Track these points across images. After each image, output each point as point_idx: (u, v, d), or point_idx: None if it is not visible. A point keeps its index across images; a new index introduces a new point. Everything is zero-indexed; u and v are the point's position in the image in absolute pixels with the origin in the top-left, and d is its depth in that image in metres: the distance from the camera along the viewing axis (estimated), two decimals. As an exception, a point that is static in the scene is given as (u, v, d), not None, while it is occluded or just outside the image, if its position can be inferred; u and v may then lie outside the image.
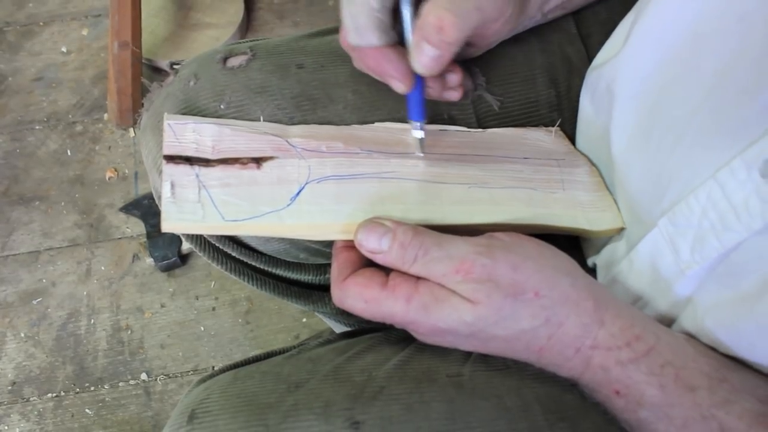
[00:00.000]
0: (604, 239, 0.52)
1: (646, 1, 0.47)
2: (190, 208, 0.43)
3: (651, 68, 0.44)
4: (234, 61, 0.51)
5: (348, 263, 0.42)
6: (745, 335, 0.39)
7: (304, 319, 1.08)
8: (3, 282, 1.10)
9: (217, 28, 1.27)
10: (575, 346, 0.39)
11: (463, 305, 0.38)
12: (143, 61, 1.22)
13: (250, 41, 0.55)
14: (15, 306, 1.09)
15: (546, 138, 0.53)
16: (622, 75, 0.47)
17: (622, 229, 0.49)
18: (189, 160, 0.44)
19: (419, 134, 0.47)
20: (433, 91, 0.48)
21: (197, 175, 0.44)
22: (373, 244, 0.40)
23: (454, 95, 0.49)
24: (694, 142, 0.41)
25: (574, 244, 0.56)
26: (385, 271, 0.41)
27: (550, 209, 0.48)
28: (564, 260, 0.41)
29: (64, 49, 1.32)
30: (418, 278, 0.40)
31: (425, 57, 0.43)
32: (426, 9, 0.43)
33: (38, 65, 1.30)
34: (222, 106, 0.49)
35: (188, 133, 0.46)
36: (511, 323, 0.39)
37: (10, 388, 1.02)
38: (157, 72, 1.28)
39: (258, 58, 0.51)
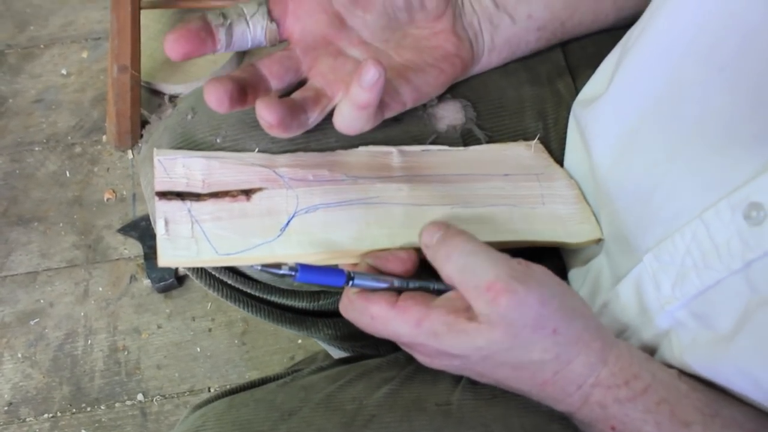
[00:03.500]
0: (585, 256, 0.54)
1: (631, 44, 0.48)
2: (185, 243, 0.44)
3: (633, 111, 0.46)
4: (230, 96, 0.52)
5: None
6: (721, 372, 0.41)
7: (300, 341, 1.09)
8: (1, 302, 1.11)
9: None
10: (578, 383, 0.41)
11: (477, 331, 0.39)
12: (142, 84, 1.24)
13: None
14: (12, 326, 1.09)
15: (526, 153, 0.54)
16: (605, 116, 0.49)
17: (600, 240, 0.51)
18: (180, 196, 0.46)
19: (284, 270, 0.41)
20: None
21: (189, 210, 0.45)
22: (426, 237, 0.42)
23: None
24: (678, 183, 0.43)
25: (562, 275, 0.58)
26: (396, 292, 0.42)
27: (531, 225, 0.50)
28: (580, 302, 0.43)
29: (64, 72, 1.34)
30: (429, 303, 0.41)
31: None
32: None
33: (38, 87, 1.32)
34: (218, 140, 0.50)
35: (178, 168, 0.47)
36: (522, 353, 0.40)
37: (6, 408, 1.03)
38: (155, 95, 1.30)
39: (254, 92, 0.53)
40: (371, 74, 0.41)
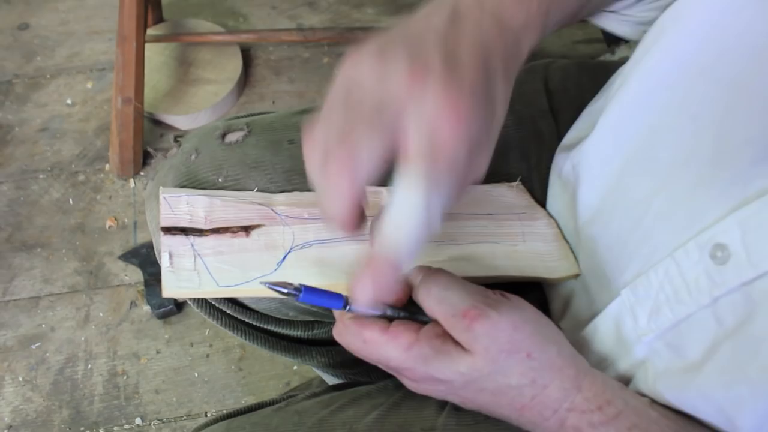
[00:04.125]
0: (565, 290, 0.57)
1: (613, 93, 0.52)
2: (187, 276, 0.47)
3: (613, 155, 0.50)
4: (232, 137, 0.56)
5: None
6: (689, 400, 0.43)
7: (295, 367, 1.12)
8: (3, 326, 1.14)
9: (216, 84, 1.33)
10: (554, 408, 0.43)
11: (460, 357, 0.42)
12: (145, 114, 1.27)
13: (248, 116, 0.60)
14: (14, 350, 1.12)
15: (508, 193, 0.58)
16: (588, 159, 0.52)
17: (577, 275, 0.54)
18: (184, 231, 0.49)
19: (288, 290, 0.42)
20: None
21: (192, 245, 0.49)
22: (412, 277, 0.45)
23: None
24: (654, 224, 0.46)
25: (543, 308, 0.61)
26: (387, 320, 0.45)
27: (512, 261, 0.53)
28: (555, 330, 0.46)
29: (69, 101, 1.37)
30: (418, 329, 0.43)
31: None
32: None
33: (44, 116, 1.35)
34: (220, 179, 0.54)
35: (182, 205, 0.50)
36: (501, 378, 0.43)
37: (6, 431, 1.05)
38: (157, 125, 1.33)
39: (253, 134, 0.56)
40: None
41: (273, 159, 0.54)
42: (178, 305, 1.14)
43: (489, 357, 0.42)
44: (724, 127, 0.41)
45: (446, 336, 0.43)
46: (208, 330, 1.14)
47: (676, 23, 0.46)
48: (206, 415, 1.07)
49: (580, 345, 0.52)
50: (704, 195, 0.42)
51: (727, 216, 0.40)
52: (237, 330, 0.62)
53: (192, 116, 1.30)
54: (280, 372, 1.11)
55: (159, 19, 1.40)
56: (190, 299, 0.61)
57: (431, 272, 0.45)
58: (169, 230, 0.49)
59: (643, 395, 0.46)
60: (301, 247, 0.50)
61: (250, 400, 1.07)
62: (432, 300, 0.43)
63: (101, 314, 1.15)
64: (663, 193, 0.45)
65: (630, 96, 0.49)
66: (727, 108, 0.41)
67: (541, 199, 0.60)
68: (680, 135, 0.44)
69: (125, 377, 1.10)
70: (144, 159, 1.28)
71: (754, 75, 0.40)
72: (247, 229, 0.50)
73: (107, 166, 1.29)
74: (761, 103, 0.39)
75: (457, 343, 0.42)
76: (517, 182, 0.58)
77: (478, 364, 0.42)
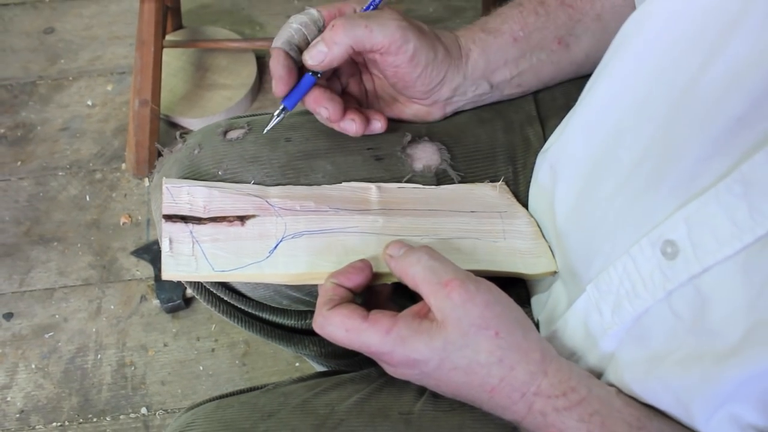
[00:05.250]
0: (545, 285, 0.60)
1: (584, 94, 0.55)
2: (185, 260, 0.51)
3: (583, 154, 0.52)
4: (233, 134, 0.60)
5: (335, 296, 0.49)
6: (651, 389, 0.46)
7: (297, 364, 1.15)
8: (19, 316, 1.18)
9: (230, 89, 1.37)
10: (521, 391, 0.46)
11: (435, 331, 0.45)
12: (161, 116, 1.32)
13: (250, 116, 0.64)
14: (28, 339, 1.16)
15: (491, 192, 0.61)
16: (562, 159, 0.55)
17: (555, 272, 0.56)
18: (184, 219, 0.53)
19: (276, 113, 0.57)
20: (359, 126, 0.57)
21: (191, 232, 0.52)
22: (392, 250, 0.50)
23: (378, 126, 0.59)
24: (615, 221, 0.48)
25: (525, 302, 0.64)
26: (366, 308, 0.48)
27: (492, 256, 0.56)
28: (524, 316, 0.48)
29: (89, 103, 1.42)
30: (396, 315, 0.47)
31: (315, 50, 0.53)
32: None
33: (65, 116, 1.40)
34: (220, 172, 0.57)
35: (183, 195, 0.54)
36: (471, 353, 0.45)
37: (18, 416, 1.09)
38: (173, 127, 1.38)
39: (253, 131, 0.60)
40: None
41: (270, 155, 0.58)
42: (186, 300, 1.18)
43: (460, 329, 0.45)
44: (673, 127, 0.43)
45: (422, 316, 0.46)
46: (214, 325, 1.17)
47: (639, 28, 0.49)
48: (208, 407, 1.10)
49: (554, 338, 0.54)
50: (656, 193, 0.44)
51: (675, 213, 0.42)
52: (234, 317, 0.65)
53: (206, 119, 1.34)
54: (283, 368, 1.15)
55: (178, 26, 1.45)
56: (191, 287, 0.64)
57: (418, 247, 0.48)
58: (170, 218, 0.53)
59: (612, 386, 0.49)
60: (292, 237, 0.53)
61: (251, 394, 1.10)
62: (419, 267, 0.47)
63: (112, 307, 1.19)
64: (623, 191, 0.47)
65: (598, 98, 0.51)
66: (676, 109, 0.43)
67: (526, 202, 0.62)
68: (639, 136, 0.46)
69: (133, 368, 1.14)
70: (158, 155, 1.32)
71: (698, 78, 0.42)
72: (242, 219, 0.54)
73: (123, 166, 1.34)
74: (703, 104, 0.41)
75: (432, 321, 0.46)
76: (501, 182, 0.61)
77: (450, 335, 0.45)
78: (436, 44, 0.56)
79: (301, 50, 0.55)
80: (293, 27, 0.55)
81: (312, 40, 0.55)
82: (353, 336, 0.47)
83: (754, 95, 0.39)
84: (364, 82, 0.62)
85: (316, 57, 0.53)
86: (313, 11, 0.56)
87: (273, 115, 0.56)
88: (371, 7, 0.56)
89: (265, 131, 0.57)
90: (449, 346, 0.45)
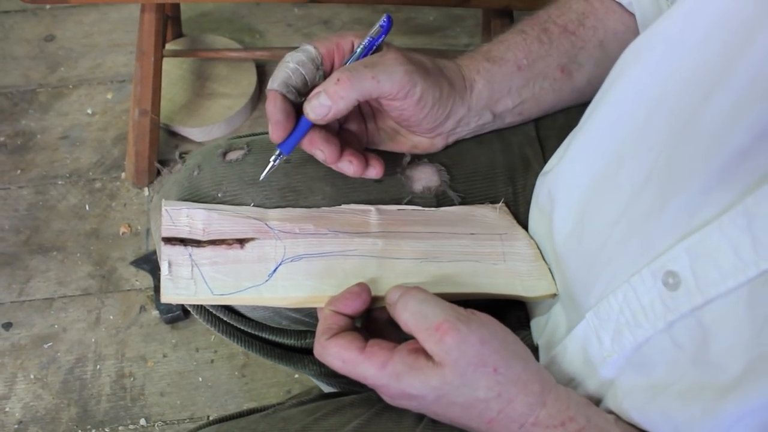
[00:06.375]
0: (545, 307, 0.59)
1: (584, 121, 0.55)
2: (185, 284, 0.51)
3: (583, 181, 0.52)
4: (232, 156, 0.60)
5: (334, 325, 0.48)
6: (650, 419, 0.46)
7: (296, 376, 1.15)
8: (18, 326, 1.18)
9: (230, 98, 1.37)
10: (519, 422, 0.46)
11: (431, 370, 0.45)
12: (161, 125, 1.32)
13: (249, 136, 0.63)
14: (27, 349, 1.16)
15: (491, 214, 0.61)
16: (560, 184, 0.55)
17: (554, 295, 0.56)
18: (183, 242, 0.53)
19: (273, 158, 0.54)
20: (356, 168, 0.55)
21: (190, 255, 0.52)
22: (388, 297, 0.48)
23: (373, 172, 0.56)
24: (615, 249, 0.48)
25: (525, 324, 0.64)
26: (365, 337, 0.48)
27: (491, 279, 0.56)
28: (522, 347, 0.48)
29: (89, 111, 1.42)
30: (393, 348, 0.46)
31: (317, 103, 0.50)
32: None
33: (65, 125, 1.40)
34: (219, 194, 0.57)
35: (183, 218, 0.54)
36: (469, 390, 0.45)
37: (16, 426, 1.09)
38: (173, 135, 1.38)
39: (253, 153, 0.60)
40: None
41: (269, 177, 0.58)
42: (186, 311, 1.17)
43: (458, 370, 0.44)
44: (675, 157, 0.43)
45: (418, 352, 0.46)
46: (213, 337, 1.17)
47: (636, 59, 0.49)
48: (208, 419, 1.10)
49: (553, 363, 0.54)
50: (657, 223, 0.44)
51: (677, 244, 0.42)
52: (234, 337, 0.65)
53: (206, 129, 1.35)
54: (282, 380, 1.15)
55: (178, 34, 1.45)
56: (190, 306, 0.64)
57: (408, 289, 0.48)
58: (169, 240, 0.53)
59: (611, 413, 0.49)
60: (291, 260, 0.53)
61: (251, 406, 1.10)
62: (408, 313, 0.46)
63: (111, 317, 1.19)
64: (623, 219, 0.47)
65: (597, 125, 0.51)
66: (678, 140, 0.43)
67: (526, 222, 0.62)
68: (639, 164, 0.46)
69: (132, 379, 1.14)
70: (158, 170, 1.32)
71: (700, 109, 0.42)
72: (241, 242, 0.54)
73: (123, 175, 1.34)
74: (706, 135, 0.41)
75: (428, 358, 0.45)
76: (501, 204, 0.61)
77: (448, 376, 0.45)
78: (441, 81, 0.55)
79: (298, 91, 0.53)
80: (290, 67, 0.53)
81: (310, 80, 0.53)
82: (350, 368, 0.46)
83: (757, 128, 0.39)
84: (365, 118, 0.60)
85: (319, 111, 0.51)
86: (310, 48, 0.53)
87: (269, 161, 0.54)
88: (373, 46, 0.54)
89: (261, 178, 0.55)
90: (446, 386, 0.45)
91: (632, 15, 0.60)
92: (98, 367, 1.15)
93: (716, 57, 0.42)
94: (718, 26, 0.43)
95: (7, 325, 1.18)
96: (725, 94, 0.41)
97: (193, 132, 1.35)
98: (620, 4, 0.60)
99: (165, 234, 0.53)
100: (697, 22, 0.44)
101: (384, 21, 0.55)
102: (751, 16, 0.41)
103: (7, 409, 1.11)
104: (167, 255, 0.52)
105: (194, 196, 0.58)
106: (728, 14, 0.42)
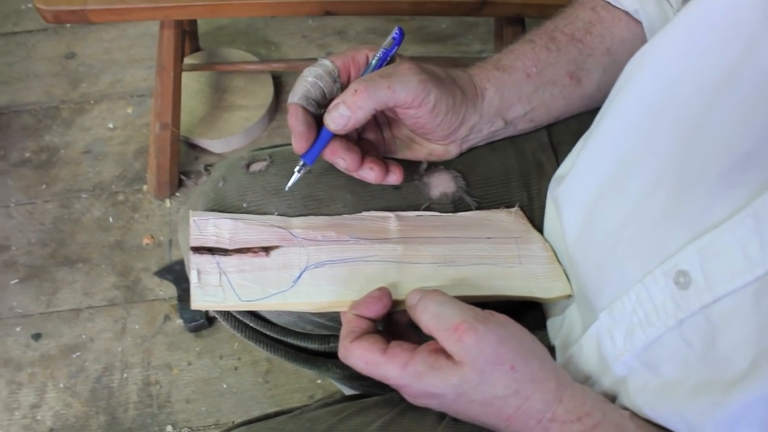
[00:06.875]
0: (560, 308, 0.61)
1: (592, 129, 0.57)
2: (213, 291, 0.53)
3: (590, 185, 0.54)
4: (255, 167, 0.62)
5: (357, 328, 0.50)
6: (662, 415, 0.47)
7: (319, 381, 1.17)
8: (47, 336, 1.21)
9: (248, 110, 1.40)
10: (537, 418, 0.47)
11: (451, 369, 0.46)
12: (181, 138, 1.35)
13: (271, 148, 0.66)
14: (56, 359, 1.19)
15: (507, 218, 0.62)
16: (570, 190, 0.57)
17: (569, 296, 0.58)
18: (211, 250, 0.55)
19: (297, 169, 0.56)
20: (377, 175, 0.57)
21: (218, 263, 0.54)
22: (408, 300, 0.50)
23: (393, 178, 0.58)
24: (626, 251, 0.50)
25: (542, 325, 0.65)
26: (386, 339, 0.49)
27: (508, 282, 0.57)
28: (538, 345, 0.49)
29: (111, 125, 1.45)
30: (414, 348, 0.48)
31: (337, 113, 0.53)
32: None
33: (87, 139, 1.44)
34: (244, 204, 0.60)
35: (210, 227, 0.56)
36: (488, 388, 0.47)
37: (47, 435, 1.12)
38: (192, 148, 1.41)
39: (275, 164, 0.62)
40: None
41: (292, 186, 0.60)
42: (209, 320, 1.20)
43: (477, 368, 0.46)
44: (684, 162, 0.45)
45: (438, 352, 0.47)
46: (237, 344, 1.19)
47: (641, 67, 0.50)
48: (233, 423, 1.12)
49: (570, 363, 0.56)
50: (668, 225, 0.46)
51: (688, 245, 0.44)
52: (259, 342, 0.67)
53: (225, 140, 1.37)
54: (305, 385, 1.17)
55: (196, 48, 1.48)
56: (216, 314, 0.66)
57: (428, 293, 0.50)
58: (197, 250, 0.55)
59: (626, 409, 0.50)
60: (315, 267, 0.55)
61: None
62: (428, 315, 0.48)
63: (137, 327, 1.22)
64: (633, 223, 0.49)
65: (604, 131, 0.53)
66: (686, 145, 0.45)
67: (541, 226, 0.64)
68: (647, 170, 0.48)
69: (158, 387, 1.16)
70: (179, 181, 1.35)
71: (707, 115, 0.43)
72: (267, 250, 0.56)
73: (145, 187, 1.37)
74: (713, 140, 0.43)
75: (448, 358, 0.47)
76: (516, 208, 0.63)
77: (467, 374, 0.46)
78: (454, 89, 0.57)
79: (318, 104, 0.55)
80: (309, 81, 0.55)
81: (328, 92, 0.55)
82: (372, 369, 0.48)
83: (763, 132, 0.41)
84: (381, 127, 0.62)
85: (339, 121, 0.53)
86: (327, 62, 0.56)
87: (294, 172, 0.56)
88: (387, 57, 0.56)
89: (286, 188, 0.57)
90: (465, 384, 0.46)
91: (639, 23, 0.61)
92: (125, 375, 1.17)
93: (721, 64, 0.43)
94: (721, 33, 0.44)
95: (37, 336, 1.21)
96: (731, 100, 0.43)
97: (212, 144, 1.38)
98: (627, 13, 0.61)
99: (193, 243, 0.55)
100: (701, 30, 0.46)
101: (396, 33, 0.57)
102: (753, 23, 0.42)
103: (38, 417, 1.13)
104: (196, 264, 0.54)
105: (220, 206, 0.60)
106: (731, 21, 0.44)
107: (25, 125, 1.46)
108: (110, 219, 1.33)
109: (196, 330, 1.20)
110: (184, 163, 1.38)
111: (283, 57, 1.54)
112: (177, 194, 1.35)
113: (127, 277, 1.27)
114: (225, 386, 1.16)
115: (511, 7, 1.05)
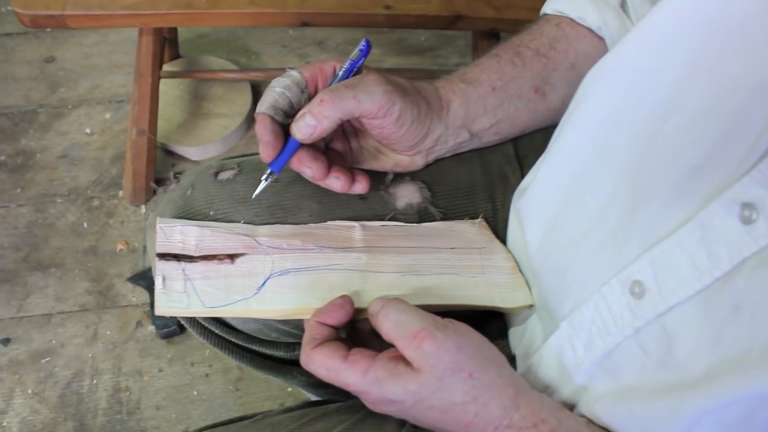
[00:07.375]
0: (522, 318, 0.62)
1: (552, 143, 0.58)
2: (178, 297, 0.54)
3: (550, 198, 0.55)
4: (224, 175, 0.63)
5: (318, 335, 0.51)
6: (619, 419, 0.48)
7: (290, 389, 1.17)
8: (16, 341, 1.20)
9: (226, 118, 1.40)
10: (494, 425, 0.48)
11: (410, 376, 0.47)
12: (158, 144, 1.35)
13: (240, 157, 0.67)
14: (25, 364, 1.18)
15: (471, 229, 0.63)
16: (531, 203, 0.58)
17: (531, 306, 0.59)
18: (177, 257, 0.55)
19: (264, 177, 0.56)
20: (343, 184, 0.57)
21: (183, 270, 0.55)
22: (371, 309, 0.51)
23: (359, 188, 0.58)
24: (584, 262, 0.51)
25: (503, 335, 0.66)
26: (348, 346, 0.50)
27: (470, 292, 0.58)
28: (497, 353, 0.50)
29: (88, 131, 1.45)
30: (374, 356, 0.49)
31: (303, 123, 0.53)
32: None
33: (64, 144, 1.43)
34: (211, 212, 0.60)
35: (176, 234, 0.57)
36: (446, 395, 0.47)
37: (14, 441, 1.11)
38: (170, 155, 1.41)
39: (243, 172, 0.63)
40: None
41: (259, 195, 0.61)
42: (181, 326, 1.20)
43: (435, 374, 0.47)
44: (638, 175, 0.46)
45: (398, 359, 0.48)
46: (208, 351, 1.19)
47: (596, 82, 0.52)
48: (202, 431, 1.12)
49: (529, 372, 0.57)
50: (624, 236, 0.47)
51: (642, 255, 0.45)
52: (225, 349, 0.68)
53: (202, 148, 1.38)
54: (276, 393, 1.17)
55: (176, 56, 1.48)
56: (183, 320, 0.67)
57: (389, 301, 0.50)
58: (163, 256, 0.56)
59: (583, 417, 0.51)
60: (279, 274, 0.56)
61: (244, 419, 1.12)
62: (389, 322, 0.49)
63: (108, 332, 1.22)
64: (591, 234, 0.50)
65: (562, 146, 0.54)
66: (639, 159, 0.46)
67: (504, 237, 0.65)
68: (603, 183, 0.49)
69: (128, 393, 1.16)
70: (154, 189, 1.35)
71: (658, 130, 0.45)
72: (232, 257, 0.56)
73: (121, 193, 1.36)
74: (665, 154, 0.44)
75: (407, 365, 0.48)
76: (480, 219, 0.64)
77: (425, 381, 0.47)
78: (419, 100, 0.58)
79: (286, 113, 0.56)
80: (276, 91, 0.56)
81: (296, 102, 0.56)
82: (333, 375, 0.49)
83: (709, 146, 0.42)
84: (348, 138, 0.63)
85: (305, 131, 0.54)
86: (295, 73, 0.57)
87: (261, 180, 0.57)
88: (354, 68, 0.58)
89: (253, 196, 0.57)
90: (424, 391, 0.47)
91: (602, 39, 0.63)
92: (95, 381, 1.17)
93: (670, 79, 0.45)
94: (669, 49, 0.46)
95: (6, 341, 1.20)
96: (681, 114, 0.44)
97: (189, 151, 1.38)
98: (590, 30, 0.63)
99: (159, 250, 0.56)
100: (650, 46, 0.47)
101: (363, 45, 0.58)
102: (697, 39, 0.44)
103: (4, 424, 1.12)
104: (161, 270, 0.55)
105: (188, 213, 0.60)
106: (678, 38, 0.45)
107: (2, 128, 1.45)
108: (85, 224, 1.33)
109: (167, 336, 1.20)
110: (160, 170, 1.38)
111: (263, 66, 1.55)
112: (152, 201, 1.35)
113: (100, 283, 1.27)
114: (196, 393, 1.16)
115: (484, 22, 1.07)
